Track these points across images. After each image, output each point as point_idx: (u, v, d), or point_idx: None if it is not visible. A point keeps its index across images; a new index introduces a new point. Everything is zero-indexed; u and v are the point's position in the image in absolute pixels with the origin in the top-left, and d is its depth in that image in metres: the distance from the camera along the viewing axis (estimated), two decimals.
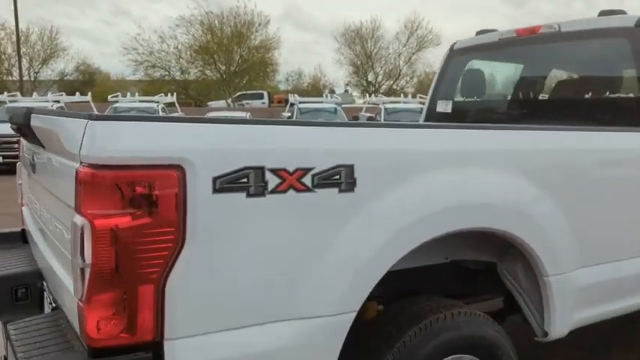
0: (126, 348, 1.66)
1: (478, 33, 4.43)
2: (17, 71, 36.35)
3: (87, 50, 77.91)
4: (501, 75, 4.85)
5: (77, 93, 22.48)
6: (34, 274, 2.64)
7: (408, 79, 45.92)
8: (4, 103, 17.82)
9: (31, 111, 2.14)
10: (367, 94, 35.94)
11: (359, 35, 44.21)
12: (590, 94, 3.85)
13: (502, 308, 2.98)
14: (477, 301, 2.89)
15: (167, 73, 40.13)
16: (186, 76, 40.77)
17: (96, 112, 3.01)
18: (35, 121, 2.12)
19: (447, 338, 2.26)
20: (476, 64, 4.50)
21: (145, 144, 1.65)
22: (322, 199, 1.90)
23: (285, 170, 1.82)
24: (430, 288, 2.62)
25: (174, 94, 24.21)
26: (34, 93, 25.96)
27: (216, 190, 1.71)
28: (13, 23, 33.27)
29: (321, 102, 22.29)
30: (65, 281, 1.98)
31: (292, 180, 1.84)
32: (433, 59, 42.19)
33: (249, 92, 37.88)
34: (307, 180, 1.86)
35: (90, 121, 1.63)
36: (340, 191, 1.93)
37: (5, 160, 13.64)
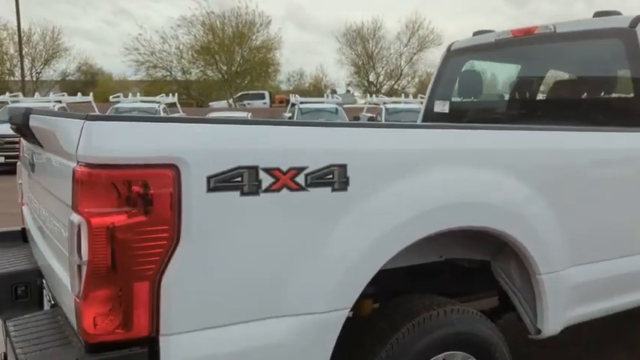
0: (122, 343, 1.70)
1: (475, 34, 4.46)
2: (19, 71, 36.44)
3: (89, 50, 78.14)
4: (498, 75, 4.89)
5: (79, 93, 22.56)
6: (33, 272, 2.68)
7: (410, 79, 45.97)
8: (6, 103, 17.86)
9: (29, 111, 2.18)
10: (368, 95, 35.93)
11: (360, 35, 44.25)
12: (585, 94, 3.89)
13: (497, 306, 3.02)
14: (473, 300, 2.92)
15: (169, 73, 40.21)
16: (188, 76, 40.82)
17: (95, 113, 3.04)
18: (33, 122, 2.16)
19: (440, 335, 2.30)
20: (473, 64, 4.53)
21: (140, 144, 1.68)
22: (315, 198, 1.93)
23: (278, 170, 1.85)
24: (426, 287, 2.65)
25: (176, 94, 24.27)
26: (36, 93, 26.05)
27: (210, 189, 1.74)
28: (15, 23, 33.44)
29: (322, 102, 22.34)
30: (63, 279, 2.02)
31: (286, 179, 1.87)
32: (434, 59, 42.09)
33: (250, 92, 37.91)
34: (300, 179, 1.90)
35: (86, 122, 1.66)
36: (333, 190, 1.97)
37: (7, 160, 13.71)
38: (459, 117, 4.45)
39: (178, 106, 23.29)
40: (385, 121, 17.91)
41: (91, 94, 22.20)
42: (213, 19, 38.33)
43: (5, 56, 39.65)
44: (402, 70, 45.53)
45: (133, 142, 1.68)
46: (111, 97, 23.01)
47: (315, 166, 1.92)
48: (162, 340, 1.73)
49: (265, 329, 1.88)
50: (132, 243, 1.65)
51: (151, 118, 1.81)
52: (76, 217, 1.66)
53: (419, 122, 4.70)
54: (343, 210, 1.99)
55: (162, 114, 19.38)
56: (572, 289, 2.69)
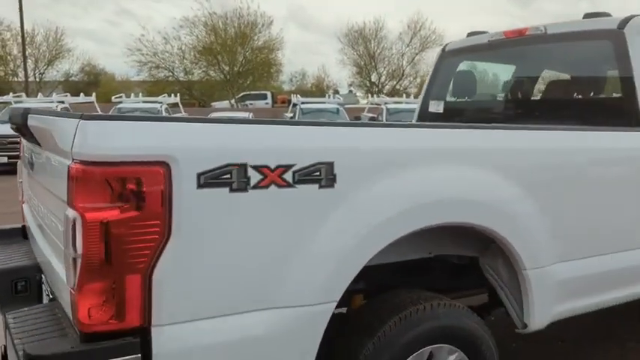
0: (115, 333, 1.77)
1: (469, 35, 4.53)
2: (23, 72, 36.62)
3: (92, 51, 78.26)
4: (491, 76, 4.95)
5: (82, 94, 22.67)
6: (33, 267, 2.76)
7: (412, 79, 45.97)
8: (10, 103, 17.96)
9: (28, 111, 2.25)
10: (370, 95, 35.96)
11: (362, 36, 44.32)
12: (575, 94, 3.95)
13: (487, 302, 3.08)
14: (464, 296, 2.99)
15: (171, 73, 40.34)
16: (190, 76, 40.94)
17: (96, 113, 3.10)
18: (32, 121, 2.24)
19: (426, 328, 2.36)
20: (467, 65, 4.60)
21: (132, 142, 1.75)
22: (303, 194, 2.00)
23: (266, 167, 1.92)
24: (416, 283, 2.71)
25: (178, 94, 24.36)
26: (39, 94, 26.14)
27: (200, 186, 1.81)
28: (19, 24, 33.59)
29: (323, 102, 22.42)
30: (61, 274, 2.08)
31: (274, 176, 1.94)
32: None
33: (252, 93, 37.99)
34: (288, 176, 1.97)
35: (81, 121, 1.74)
36: (320, 187, 2.03)
37: (10, 160, 13.78)
38: (453, 117, 4.51)
39: (180, 106, 23.38)
40: (386, 120, 17.95)
41: (94, 94, 22.32)
42: (215, 20, 38.48)
43: (9, 57, 39.84)
44: (403, 71, 45.63)
45: (125, 141, 1.75)
46: (113, 98, 23.12)
47: (303, 163, 1.99)
48: (154, 331, 1.80)
49: (254, 321, 1.95)
50: (124, 237, 1.72)
51: (144, 117, 1.87)
52: (71, 212, 1.73)
53: (413, 122, 4.76)
54: (330, 206, 2.06)
55: (164, 114, 19.45)
56: (559, 285, 2.74)
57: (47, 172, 2.30)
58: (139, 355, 1.78)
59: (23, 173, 3.28)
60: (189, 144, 1.82)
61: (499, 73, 4.71)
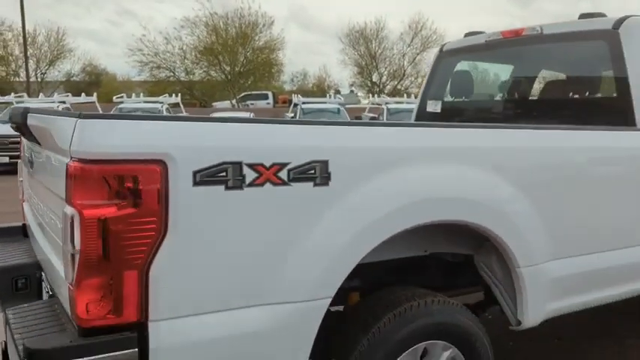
0: (113, 328, 1.80)
1: (467, 35, 4.56)
2: (24, 72, 36.70)
3: (93, 51, 78.59)
4: (489, 76, 4.98)
5: (83, 94, 22.71)
6: (33, 265, 2.79)
7: (413, 79, 45.98)
8: (11, 104, 18.01)
9: (27, 110, 2.28)
10: (371, 95, 36.01)
11: (363, 36, 44.38)
12: (571, 94, 3.98)
13: (483, 300, 3.11)
14: (462, 294, 3.02)
15: (172, 74, 40.44)
16: (191, 76, 41.04)
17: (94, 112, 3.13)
18: (31, 120, 2.27)
19: (420, 325, 2.39)
20: (464, 65, 4.63)
21: (129, 141, 1.79)
22: (298, 192, 2.03)
23: (261, 165, 1.95)
24: (412, 281, 2.74)
25: (179, 94, 24.41)
26: (41, 94, 26.20)
27: (196, 183, 1.85)
28: (20, 25, 33.66)
29: (324, 102, 22.45)
30: (60, 270, 2.12)
31: (269, 174, 1.97)
32: None
33: (253, 93, 38.03)
34: (283, 174, 2.00)
35: (79, 120, 1.77)
36: (315, 185, 2.07)
37: (11, 160, 13.83)
38: (450, 116, 4.54)
39: (181, 106, 23.42)
40: (387, 120, 17.98)
41: (95, 94, 22.37)
42: (216, 20, 38.59)
43: (10, 57, 39.94)
44: (404, 71, 45.67)
45: (123, 139, 1.78)
46: (114, 98, 23.17)
47: (298, 162, 2.02)
48: (150, 326, 1.83)
49: (249, 316, 1.98)
50: (121, 234, 1.76)
51: (140, 116, 1.91)
52: (69, 209, 1.77)
53: (411, 122, 4.79)
54: (325, 204, 2.09)
55: (165, 114, 19.49)
56: (552, 282, 2.77)
57: (47, 170, 2.34)
58: (136, 349, 1.81)
59: (23, 172, 3.32)
60: (186, 142, 1.85)
61: (496, 73, 4.74)
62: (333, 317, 2.31)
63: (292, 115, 20.42)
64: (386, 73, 46.03)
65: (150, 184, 1.78)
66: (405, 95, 29.06)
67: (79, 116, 1.78)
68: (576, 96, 3.92)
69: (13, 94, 22.93)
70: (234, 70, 39.67)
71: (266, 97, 37.40)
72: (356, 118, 18.26)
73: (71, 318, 1.90)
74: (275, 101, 37.13)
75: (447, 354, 2.48)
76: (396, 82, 45.94)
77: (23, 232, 3.31)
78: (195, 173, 1.84)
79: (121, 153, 1.77)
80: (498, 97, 4.56)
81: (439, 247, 2.79)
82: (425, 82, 4.89)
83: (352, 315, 2.50)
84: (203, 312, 1.91)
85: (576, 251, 2.87)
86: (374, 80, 45.93)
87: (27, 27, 34.69)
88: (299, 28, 66.49)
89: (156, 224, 1.80)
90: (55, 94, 27.71)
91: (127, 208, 1.76)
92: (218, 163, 1.87)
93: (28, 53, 36.92)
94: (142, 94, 24.80)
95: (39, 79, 40.89)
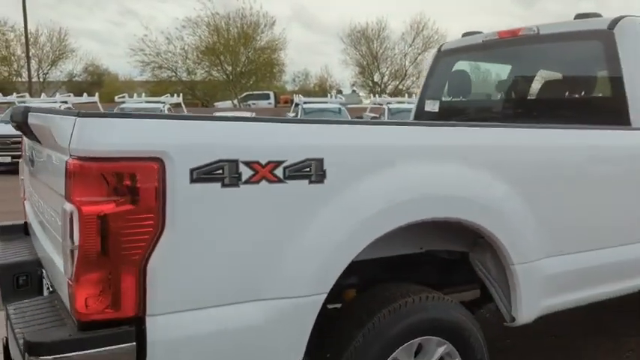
0: (111, 322, 1.84)
1: (464, 35, 4.59)
2: (26, 72, 36.77)
3: (95, 51, 78.95)
4: (486, 75, 5.01)
5: (85, 94, 22.79)
6: (34, 262, 2.83)
7: (414, 79, 45.94)
8: (13, 104, 18.07)
9: (28, 109, 2.32)
10: (373, 95, 36.03)
11: (365, 36, 44.42)
12: (567, 94, 4.01)
13: (479, 297, 3.14)
14: (458, 292, 3.05)
15: (174, 74, 40.50)
16: (193, 76, 41.11)
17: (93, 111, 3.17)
18: (32, 119, 2.31)
19: (414, 320, 2.42)
20: (462, 65, 4.66)
21: (128, 139, 1.83)
22: (293, 189, 2.07)
23: (257, 163, 1.99)
24: (409, 278, 2.78)
25: (181, 94, 24.47)
26: (43, 94, 26.29)
27: (193, 181, 1.88)
28: (22, 25, 33.74)
29: (325, 102, 22.50)
30: (60, 267, 2.16)
31: (265, 172, 2.01)
32: None
33: (255, 93, 38.09)
34: (279, 172, 2.03)
35: (78, 118, 1.81)
36: (310, 182, 2.10)
37: (13, 159, 13.90)
38: (448, 116, 4.58)
39: (183, 106, 23.47)
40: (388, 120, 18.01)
41: (97, 94, 22.42)
42: (218, 20, 38.65)
43: (12, 57, 40.07)
44: (406, 71, 45.69)
45: (121, 137, 1.82)
46: (116, 98, 23.25)
47: (293, 159, 2.06)
48: (148, 320, 1.87)
49: (246, 311, 2.02)
50: (120, 230, 1.80)
51: (138, 115, 1.95)
52: (68, 206, 1.81)
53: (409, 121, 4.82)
54: (320, 201, 2.13)
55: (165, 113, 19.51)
56: (546, 280, 2.80)
57: (47, 168, 2.38)
58: (134, 343, 1.85)
59: (25, 171, 3.36)
60: (182, 140, 1.89)
61: (493, 73, 4.78)
62: (328, 313, 2.34)
63: (294, 114, 20.47)
64: (387, 73, 46.11)
65: (147, 181, 1.82)
66: (406, 95, 29.09)
67: (78, 115, 1.82)
68: (572, 96, 3.95)
69: (15, 94, 23.00)
70: (235, 70, 39.73)
71: (267, 97, 37.45)
72: (357, 118, 18.29)
73: (70, 312, 1.94)
74: (277, 101, 37.19)
75: (441, 350, 2.51)
76: (397, 82, 45.99)
77: (24, 230, 3.35)
78: (192, 171, 1.88)
79: (119, 151, 1.81)
80: (495, 97, 4.59)
81: (435, 244, 2.82)
82: (423, 82, 4.93)
83: (347, 311, 2.53)
84: (199, 307, 1.95)
85: (570, 249, 2.90)
86: (375, 80, 45.98)
87: (29, 27, 34.82)
88: (301, 28, 66.64)
89: (153, 221, 1.84)
90: (57, 94, 27.80)
91: (125, 205, 1.80)
92: (214, 160, 1.91)
93: (30, 53, 37.04)
94: (143, 94, 24.89)
95: (41, 80, 41.00)
